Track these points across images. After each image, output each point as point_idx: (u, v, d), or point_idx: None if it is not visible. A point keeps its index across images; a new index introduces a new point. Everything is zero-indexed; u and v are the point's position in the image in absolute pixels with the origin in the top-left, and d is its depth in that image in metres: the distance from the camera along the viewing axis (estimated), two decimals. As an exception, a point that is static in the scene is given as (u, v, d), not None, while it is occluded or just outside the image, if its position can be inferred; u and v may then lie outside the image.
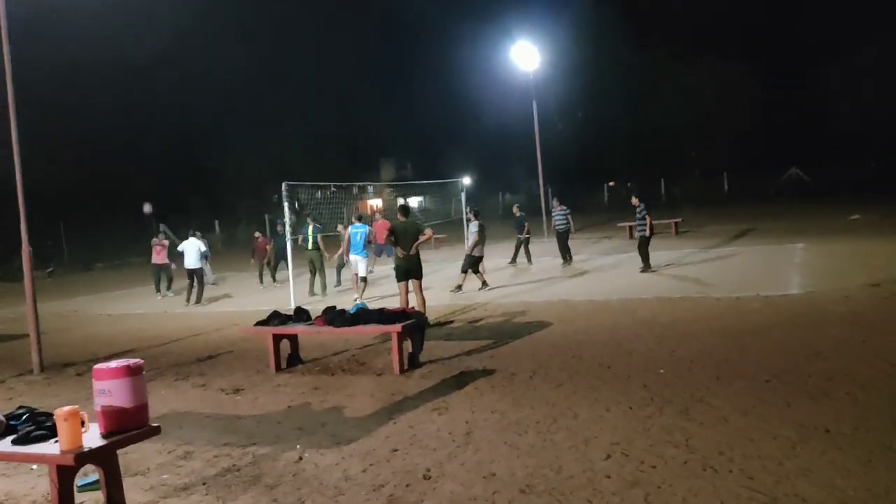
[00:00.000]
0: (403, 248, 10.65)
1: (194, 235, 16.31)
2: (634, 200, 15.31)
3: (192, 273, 15.95)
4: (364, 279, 14.50)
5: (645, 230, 14.91)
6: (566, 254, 17.54)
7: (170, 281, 18.10)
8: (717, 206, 34.17)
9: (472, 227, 14.64)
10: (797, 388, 6.23)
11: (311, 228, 16.00)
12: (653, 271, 14.76)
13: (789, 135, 45.69)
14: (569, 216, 17.58)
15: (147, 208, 14.56)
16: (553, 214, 18.28)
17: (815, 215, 25.53)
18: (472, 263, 14.41)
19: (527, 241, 18.23)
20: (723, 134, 46.89)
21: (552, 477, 4.73)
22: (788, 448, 4.88)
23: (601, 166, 47.95)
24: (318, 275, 16.00)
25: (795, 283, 12.02)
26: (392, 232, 10.84)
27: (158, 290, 17.79)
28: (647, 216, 14.83)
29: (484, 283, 14.27)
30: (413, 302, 10.70)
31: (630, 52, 48.57)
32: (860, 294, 10.45)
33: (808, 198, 34.93)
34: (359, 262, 14.38)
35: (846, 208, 25.67)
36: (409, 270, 10.73)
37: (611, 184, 48.39)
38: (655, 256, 15.44)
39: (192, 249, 15.91)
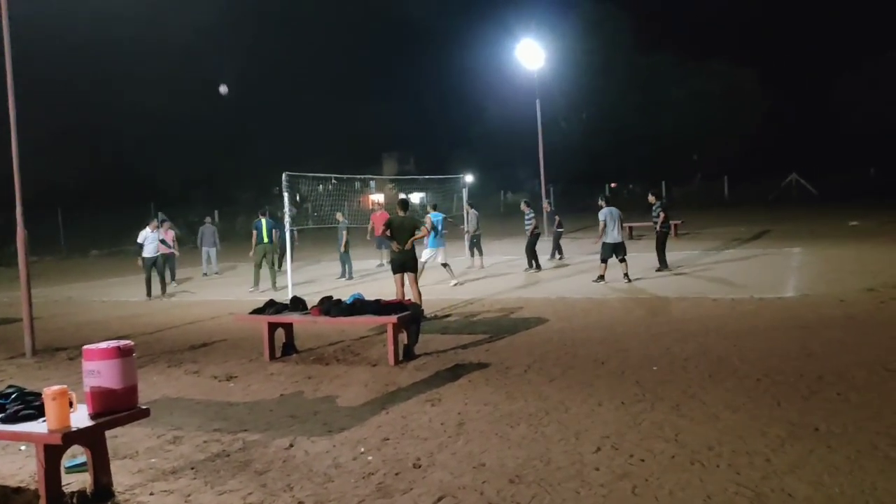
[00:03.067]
0: (399, 243, 10.63)
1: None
2: (651, 198, 15.08)
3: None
4: (445, 265, 14.53)
5: (658, 228, 14.77)
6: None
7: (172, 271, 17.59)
8: (716, 210, 34.15)
9: (601, 216, 13.65)
10: (789, 387, 6.23)
11: (264, 222, 15.45)
12: (669, 272, 14.55)
13: (792, 142, 45.75)
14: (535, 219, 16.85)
15: (223, 89, 13.45)
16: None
17: (815, 221, 25.49)
18: (609, 251, 13.65)
19: (559, 236, 18.39)
20: (726, 139, 46.94)
21: (541, 468, 4.73)
22: (777, 445, 4.88)
23: (604, 167, 47.85)
24: (269, 268, 15.66)
25: (791, 286, 12.02)
26: (388, 225, 10.83)
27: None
28: (661, 213, 14.65)
29: (601, 277, 13.65)
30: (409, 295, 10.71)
31: (636, 54, 48.59)
32: (855, 298, 10.45)
33: (809, 205, 34.91)
34: (439, 251, 14.47)
35: (846, 215, 25.67)
36: (405, 264, 10.72)
37: (612, 185, 48.33)
38: (652, 258, 15.40)
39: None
